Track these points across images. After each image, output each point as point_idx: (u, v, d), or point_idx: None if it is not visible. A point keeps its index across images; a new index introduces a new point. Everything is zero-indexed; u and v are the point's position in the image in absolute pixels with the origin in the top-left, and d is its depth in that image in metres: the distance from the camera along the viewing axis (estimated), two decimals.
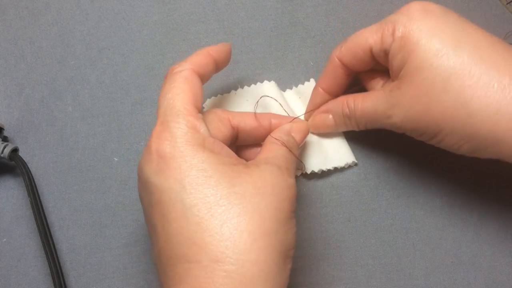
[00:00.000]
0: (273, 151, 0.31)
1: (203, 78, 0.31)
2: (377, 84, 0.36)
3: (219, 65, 0.33)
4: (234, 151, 0.30)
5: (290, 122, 0.35)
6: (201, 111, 0.30)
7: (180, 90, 0.29)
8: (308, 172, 0.37)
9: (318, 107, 0.37)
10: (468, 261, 0.36)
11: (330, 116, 0.37)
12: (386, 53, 0.32)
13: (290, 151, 0.31)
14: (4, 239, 0.38)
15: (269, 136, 0.33)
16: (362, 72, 0.36)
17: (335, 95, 0.37)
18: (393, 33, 0.31)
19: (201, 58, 0.31)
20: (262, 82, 0.39)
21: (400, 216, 0.37)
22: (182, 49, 0.42)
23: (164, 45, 0.42)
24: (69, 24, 0.43)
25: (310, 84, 0.40)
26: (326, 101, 0.37)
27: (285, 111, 0.38)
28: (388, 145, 0.39)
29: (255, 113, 0.34)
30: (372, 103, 0.33)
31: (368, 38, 0.33)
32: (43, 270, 0.37)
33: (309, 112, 0.38)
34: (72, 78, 0.42)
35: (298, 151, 0.34)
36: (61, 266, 0.36)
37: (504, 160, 0.29)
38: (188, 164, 0.26)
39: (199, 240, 0.25)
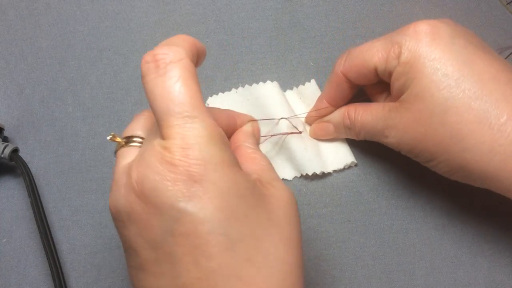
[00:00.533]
0: (259, 160, 0.29)
1: None
2: (381, 96, 0.36)
3: (198, 62, 0.27)
4: None
5: (249, 122, 0.34)
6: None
7: (194, 91, 0.24)
8: (310, 173, 0.37)
9: (321, 115, 0.38)
10: (468, 261, 0.36)
11: (331, 125, 0.37)
12: (390, 73, 0.32)
13: (263, 154, 0.31)
14: (5, 240, 0.38)
15: (239, 143, 0.31)
16: (368, 87, 0.36)
17: (339, 106, 0.37)
18: (398, 57, 0.31)
19: (188, 43, 0.25)
20: (264, 82, 0.39)
21: (400, 216, 0.37)
22: None
23: None
24: (69, 25, 0.43)
25: (311, 85, 0.40)
26: (329, 111, 0.37)
27: (286, 111, 0.38)
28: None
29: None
30: (372, 118, 0.33)
31: (373, 57, 0.32)
32: (44, 270, 0.37)
33: (310, 116, 0.38)
34: (72, 78, 0.42)
35: None
36: (62, 266, 0.36)
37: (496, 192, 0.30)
38: (229, 191, 0.23)
39: (247, 277, 0.22)
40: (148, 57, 0.24)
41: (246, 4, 0.43)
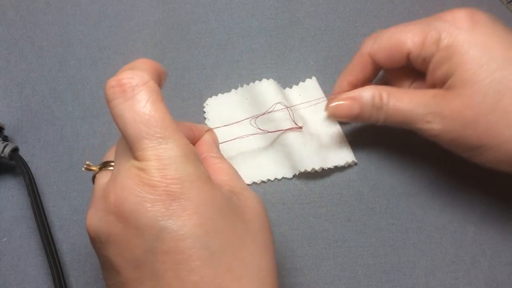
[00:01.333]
0: (226, 170, 0.29)
1: None
2: (405, 82, 0.35)
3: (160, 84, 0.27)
4: None
5: (208, 131, 0.33)
6: None
7: (163, 111, 0.24)
8: (309, 169, 0.36)
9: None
10: (469, 261, 0.36)
11: (357, 104, 0.34)
12: (425, 59, 0.31)
13: (229, 162, 0.30)
14: (5, 239, 0.38)
15: (204, 154, 0.30)
16: (390, 71, 0.36)
17: (358, 87, 0.35)
18: (437, 42, 0.30)
19: (150, 67, 0.26)
20: (260, 80, 0.39)
21: (400, 216, 0.37)
22: (182, 49, 0.42)
23: (164, 45, 0.42)
24: (69, 24, 0.43)
25: (312, 81, 0.40)
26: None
27: (287, 109, 0.38)
28: (388, 145, 0.39)
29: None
30: (409, 103, 0.32)
31: (407, 41, 0.31)
32: (43, 270, 0.37)
33: (334, 97, 0.36)
34: (72, 77, 0.42)
35: None
36: (62, 266, 0.36)
37: None
38: (206, 207, 0.23)
39: (228, 286, 0.23)
40: (112, 82, 0.24)
41: (246, 3, 0.43)
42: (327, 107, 0.37)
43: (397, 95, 0.33)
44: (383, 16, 0.43)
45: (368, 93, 0.34)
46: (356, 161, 0.38)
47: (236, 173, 0.29)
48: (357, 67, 0.35)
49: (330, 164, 0.37)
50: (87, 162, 0.29)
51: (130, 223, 0.23)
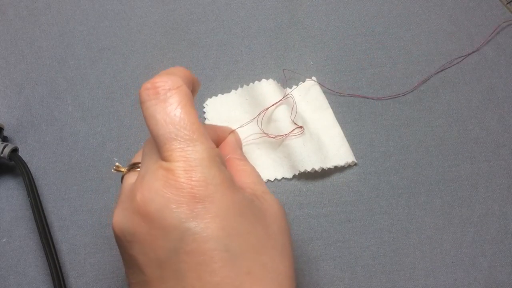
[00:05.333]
0: (250, 173, 0.29)
1: None
2: None
3: (193, 91, 0.28)
4: None
5: (231, 132, 0.34)
6: None
7: (193, 115, 0.25)
8: (309, 169, 0.36)
9: None
10: (468, 261, 0.36)
11: None
12: None
13: (251, 164, 0.31)
14: (4, 239, 0.38)
15: (228, 156, 0.31)
16: None
17: None
18: None
19: (185, 73, 0.27)
20: (260, 81, 0.39)
21: (400, 216, 0.37)
22: (182, 49, 0.42)
23: (164, 45, 0.42)
24: (69, 24, 0.43)
25: (312, 82, 0.40)
26: None
27: (285, 107, 0.38)
28: (388, 145, 0.39)
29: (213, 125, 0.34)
30: None
31: None
32: (43, 270, 0.37)
33: None
34: (72, 78, 0.42)
35: None
36: (61, 266, 0.36)
37: None
38: (229, 210, 0.24)
39: None
40: (148, 84, 0.25)
41: (246, 3, 0.43)
42: None
43: None
44: (383, 16, 0.43)
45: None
46: (356, 161, 0.38)
47: (258, 176, 0.29)
48: None
49: (330, 164, 0.37)
50: (117, 164, 0.30)
51: (156, 223, 0.24)
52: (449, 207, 0.37)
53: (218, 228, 0.23)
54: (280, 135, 0.37)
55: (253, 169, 0.30)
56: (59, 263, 0.35)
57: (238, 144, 0.33)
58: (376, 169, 0.38)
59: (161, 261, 0.24)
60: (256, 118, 0.38)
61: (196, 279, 0.23)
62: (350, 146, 0.38)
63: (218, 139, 0.32)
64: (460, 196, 0.37)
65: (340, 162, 0.38)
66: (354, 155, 0.38)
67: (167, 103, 0.25)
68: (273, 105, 0.38)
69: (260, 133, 0.38)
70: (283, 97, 0.38)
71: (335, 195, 0.38)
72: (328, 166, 0.37)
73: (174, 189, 0.24)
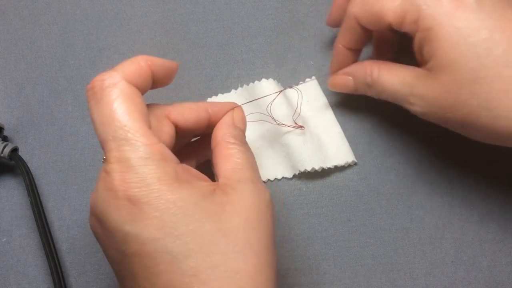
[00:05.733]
0: (234, 158, 0.28)
1: (139, 89, 0.26)
2: (392, 47, 0.35)
3: (157, 81, 0.27)
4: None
5: (230, 110, 0.31)
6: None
7: (126, 113, 0.24)
8: (309, 169, 0.36)
9: (341, 65, 0.36)
10: (469, 261, 0.36)
11: (351, 79, 0.35)
12: (406, 32, 0.31)
13: (247, 149, 0.29)
14: (4, 239, 0.38)
15: (219, 138, 0.29)
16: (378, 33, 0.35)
17: (356, 49, 0.36)
18: (416, 22, 0.29)
19: (134, 66, 0.26)
20: (260, 80, 0.39)
21: (400, 216, 0.37)
22: (182, 49, 0.42)
23: (164, 45, 0.42)
24: (69, 24, 0.43)
25: (312, 82, 0.40)
26: (349, 58, 0.36)
27: (285, 107, 0.38)
28: (388, 144, 0.39)
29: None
30: (397, 82, 0.32)
31: (388, 14, 0.30)
32: (43, 270, 0.37)
33: (331, 68, 0.37)
34: (72, 77, 0.42)
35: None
36: (61, 266, 0.36)
37: None
38: (168, 210, 0.23)
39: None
40: (88, 85, 0.25)
41: (246, 3, 0.43)
42: (330, 84, 0.37)
43: (387, 72, 0.33)
44: None
45: (359, 69, 0.34)
46: (356, 161, 0.38)
47: (244, 162, 0.28)
48: (347, 30, 0.34)
49: (330, 164, 0.37)
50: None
51: (103, 224, 0.24)
52: (449, 206, 0.37)
53: (156, 230, 0.23)
54: (280, 123, 0.37)
55: (240, 152, 0.28)
56: (59, 263, 0.35)
57: (235, 124, 0.30)
58: (376, 169, 0.38)
59: (117, 260, 0.25)
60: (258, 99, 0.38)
61: (145, 280, 0.23)
62: (350, 146, 0.38)
63: (209, 119, 0.30)
64: (460, 195, 0.37)
65: (340, 161, 0.38)
66: (354, 154, 0.38)
67: (101, 103, 0.24)
68: (276, 93, 0.37)
69: (262, 119, 0.37)
70: (284, 88, 0.38)
71: (335, 195, 0.38)
72: (328, 166, 0.37)
73: (112, 192, 0.23)
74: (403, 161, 0.37)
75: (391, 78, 0.32)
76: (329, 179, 0.38)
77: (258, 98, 0.37)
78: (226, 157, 0.28)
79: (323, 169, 0.37)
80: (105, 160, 0.24)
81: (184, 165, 0.26)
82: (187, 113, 0.29)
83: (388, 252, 0.37)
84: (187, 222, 0.23)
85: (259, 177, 0.28)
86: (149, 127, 0.25)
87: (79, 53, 0.42)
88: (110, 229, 0.24)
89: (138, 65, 0.26)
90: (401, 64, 0.33)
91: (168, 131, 0.28)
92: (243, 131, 0.31)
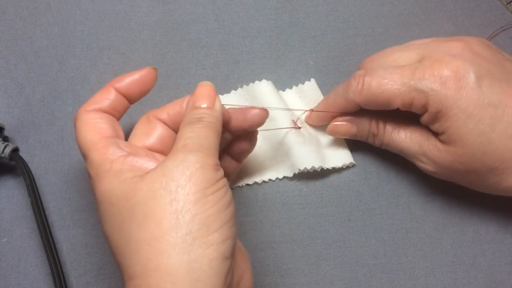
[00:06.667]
0: (177, 136, 0.28)
1: (112, 111, 0.31)
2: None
3: (132, 94, 0.32)
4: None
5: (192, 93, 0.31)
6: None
7: (83, 133, 0.30)
8: (308, 167, 0.36)
9: (323, 117, 0.37)
10: (468, 261, 0.36)
11: (355, 127, 0.36)
12: (414, 112, 0.33)
13: (198, 125, 0.28)
14: (5, 239, 0.38)
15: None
16: None
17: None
18: (425, 106, 0.32)
19: (99, 95, 0.31)
20: (260, 80, 0.39)
21: (400, 216, 0.37)
22: (182, 49, 0.42)
23: (164, 45, 0.42)
24: (69, 24, 0.43)
25: (311, 84, 0.40)
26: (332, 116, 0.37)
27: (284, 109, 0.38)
28: None
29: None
30: (406, 139, 0.35)
31: (395, 100, 0.33)
32: (44, 270, 0.37)
33: (310, 116, 0.38)
34: (72, 78, 0.42)
35: (220, 116, 0.30)
36: (62, 266, 0.36)
37: None
38: (98, 196, 0.28)
39: (120, 261, 0.27)
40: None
41: (246, 3, 0.43)
42: (309, 118, 0.38)
43: (394, 127, 0.35)
44: (383, 17, 0.43)
45: (364, 120, 0.36)
46: (354, 162, 0.38)
47: (178, 139, 0.28)
48: (343, 108, 0.36)
49: (329, 164, 0.37)
50: None
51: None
52: (449, 206, 0.37)
53: (99, 215, 0.28)
54: (277, 128, 0.37)
55: (183, 132, 0.28)
56: (59, 263, 0.35)
57: (195, 105, 0.30)
58: (376, 169, 0.38)
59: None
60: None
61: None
62: (351, 146, 0.38)
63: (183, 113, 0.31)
64: (460, 195, 0.37)
65: (338, 163, 0.38)
66: (354, 154, 0.38)
67: (75, 130, 0.30)
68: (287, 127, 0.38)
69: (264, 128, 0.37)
70: (292, 127, 0.38)
71: (335, 195, 0.38)
72: (326, 167, 0.37)
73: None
74: (403, 162, 0.37)
75: (400, 133, 0.35)
76: (329, 179, 0.38)
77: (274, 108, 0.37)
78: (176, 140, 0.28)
79: (322, 169, 0.37)
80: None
81: (130, 156, 0.28)
82: (170, 110, 0.32)
83: (388, 252, 0.37)
84: (109, 205, 0.27)
85: (195, 145, 0.27)
86: (113, 136, 0.30)
87: (79, 53, 0.42)
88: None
89: (102, 92, 0.31)
90: (408, 124, 0.35)
91: (153, 133, 0.32)
92: (204, 108, 0.30)
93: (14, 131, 0.40)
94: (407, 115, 0.34)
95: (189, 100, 0.31)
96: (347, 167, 0.38)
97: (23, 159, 0.37)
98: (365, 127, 0.36)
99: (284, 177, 0.38)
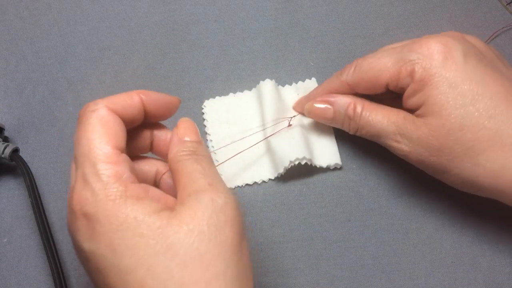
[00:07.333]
0: (183, 174, 0.27)
1: (125, 119, 0.28)
2: (388, 101, 0.36)
3: (151, 112, 0.29)
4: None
5: (175, 127, 0.30)
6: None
7: (96, 134, 0.26)
8: (300, 157, 0.36)
9: (328, 89, 0.37)
10: (468, 261, 0.36)
11: (332, 109, 0.36)
12: (402, 88, 0.33)
13: (198, 158, 0.28)
14: (5, 239, 0.38)
15: (169, 161, 0.28)
16: None
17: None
18: (411, 74, 0.32)
19: (122, 97, 0.28)
20: (258, 83, 0.39)
21: (400, 216, 0.38)
22: (182, 50, 0.42)
23: (165, 46, 0.42)
24: (69, 25, 0.43)
25: (311, 82, 0.40)
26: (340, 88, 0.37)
27: (282, 111, 0.38)
28: None
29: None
30: (382, 120, 0.34)
31: (384, 74, 0.33)
32: (44, 271, 0.37)
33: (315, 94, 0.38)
34: (72, 78, 0.42)
35: (207, 151, 0.29)
36: (62, 266, 0.36)
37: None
38: (113, 226, 0.24)
39: None
40: (85, 105, 0.28)
41: (246, 4, 0.43)
42: (298, 105, 0.39)
43: (372, 109, 0.34)
44: (383, 18, 0.43)
45: (343, 101, 0.36)
46: (340, 164, 0.38)
47: (192, 175, 0.27)
48: (336, 90, 0.36)
49: (314, 162, 0.37)
50: None
51: (74, 244, 0.26)
52: (449, 207, 0.37)
53: (105, 246, 0.24)
54: (273, 133, 0.37)
55: (188, 166, 0.27)
56: (60, 263, 0.35)
57: (182, 139, 0.29)
58: (376, 169, 0.39)
59: (91, 279, 0.26)
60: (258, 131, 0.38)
61: None
62: (351, 146, 0.38)
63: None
64: (460, 196, 0.37)
65: (324, 162, 0.37)
66: (355, 155, 0.38)
67: (79, 125, 0.27)
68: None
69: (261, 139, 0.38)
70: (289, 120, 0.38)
71: (335, 195, 0.38)
72: (313, 164, 0.37)
73: (72, 213, 0.25)
74: (403, 162, 0.37)
75: (377, 115, 0.34)
76: (329, 180, 0.38)
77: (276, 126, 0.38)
78: (177, 176, 0.27)
79: (309, 165, 0.37)
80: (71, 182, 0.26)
81: (143, 185, 0.26)
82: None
83: (388, 253, 0.37)
84: (130, 237, 0.24)
85: (217, 183, 0.27)
86: (120, 149, 0.26)
87: (79, 54, 0.42)
88: (76, 247, 0.25)
89: (128, 97, 0.28)
90: (385, 106, 0.35)
91: (123, 134, 0.28)
92: (193, 141, 0.29)
93: (14, 131, 0.40)
94: (385, 101, 0.35)
95: (173, 134, 0.29)
96: (349, 166, 0.38)
97: (23, 159, 0.37)
98: (341, 108, 0.35)
99: (284, 177, 0.38)
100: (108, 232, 0.24)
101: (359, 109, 0.35)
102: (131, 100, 0.28)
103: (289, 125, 0.38)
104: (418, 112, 0.32)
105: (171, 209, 0.25)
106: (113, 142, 0.26)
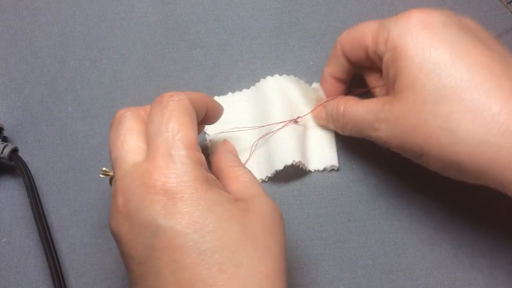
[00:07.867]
0: (242, 178, 0.30)
1: (197, 115, 0.29)
2: (380, 91, 0.35)
3: (208, 115, 0.31)
4: None
5: (221, 143, 0.36)
6: None
7: (186, 119, 0.27)
8: (296, 160, 0.36)
9: (326, 92, 0.38)
10: (468, 262, 0.36)
11: (324, 110, 0.37)
12: (380, 58, 0.31)
13: (248, 170, 0.32)
14: (4, 239, 0.38)
15: (222, 165, 0.32)
16: (366, 72, 0.36)
17: (342, 81, 0.37)
18: (386, 41, 0.30)
19: (197, 95, 0.30)
20: (259, 81, 0.39)
21: (400, 216, 0.37)
22: (182, 49, 0.42)
23: (164, 45, 0.42)
24: (68, 24, 0.43)
25: (315, 85, 0.40)
26: (335, 87, 0.37)
27: (287, 109, 0.38)
28: None
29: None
30: (362, 111, 0.32)
31: (366, 36, 0.32)
32: (43, 271, 0.37)
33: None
34: (71, 78, 0.42)
35: None
36: (61, 266, 0.36)
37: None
38: (199, 207, 0.25)
39: (218, 286, 0.24)
40: (157, 98, 0.28)
41: (246, 3, 0.43)
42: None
43: (352, 104, 0.34)
44: (383, 17, 0.43)
45: (331, 102, 0.36)
46: (337, 166, 0.38)
47: (251, 181, 0.30)
48: (333, 58, 0.36)
49: (310, 166, 0.37)
50: (104, 168, 0.31)
51: (134, 222, 0.25)
52: (449, 207, 0.37)
53: (188, 224, 0.24)
54: (273, 131, 0.37)
55: (245, 173, 0.31)
56: (59, 263, 0.35)
57: (230, 152, 0.34)
58: (376, 169, 0.38)
59: (141, 259, 0.25)
60: (257, 127, 0.38)
61: (170, 275, 0.24)
62: (351, 146, 0.38)
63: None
64: (460, 195, 0.37)
65: (321, 165, 0.38)
66: (354, 155, 0.38)
67: (164, 109, 0.27)
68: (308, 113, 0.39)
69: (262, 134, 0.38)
70: (290, 121, 0.38)
71: (335, 195, 0.38)
72: (309, 168, 0.37)
73: (149, 187, 0.25)
74: (403, 162, 0.37)
75: (357, 109, 0.33)
76: (329, 180, 0.38)
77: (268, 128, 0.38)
78: (234, 178, 0.30)
79: (302, 168, 0.37)
80: (147, 157, 0.26)
81: (213, 176, 0.28)
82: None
83: (388, 253, 0.37)
84: (216, 220, 0.25)
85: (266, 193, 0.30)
86: (196, 139, 0.27)
87: (79, 54, 0.42)
88: (143, 224, 0.25)
89: (200, 96, 0.30)
90: (370, 98, 0.34)
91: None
92: (237, 156, 0.34)
93: (13, 131, 0.40)
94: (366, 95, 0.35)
95: (221, 145, 0.35)
96: (349, 166, 0.38)
97: (22, 159, 0.37)
98: (328, 111, 0.36)
99: (284, 177, 0.38)
100: (194, 212, 0.24)
101: (341, 107, 0.34)
102: (203, 100, 0.30)
103: (296, 121, 0.37)
104: (395, 88, 0.30)
105: (241, 201, 0.27)
106: (193, 132, 0.27)
